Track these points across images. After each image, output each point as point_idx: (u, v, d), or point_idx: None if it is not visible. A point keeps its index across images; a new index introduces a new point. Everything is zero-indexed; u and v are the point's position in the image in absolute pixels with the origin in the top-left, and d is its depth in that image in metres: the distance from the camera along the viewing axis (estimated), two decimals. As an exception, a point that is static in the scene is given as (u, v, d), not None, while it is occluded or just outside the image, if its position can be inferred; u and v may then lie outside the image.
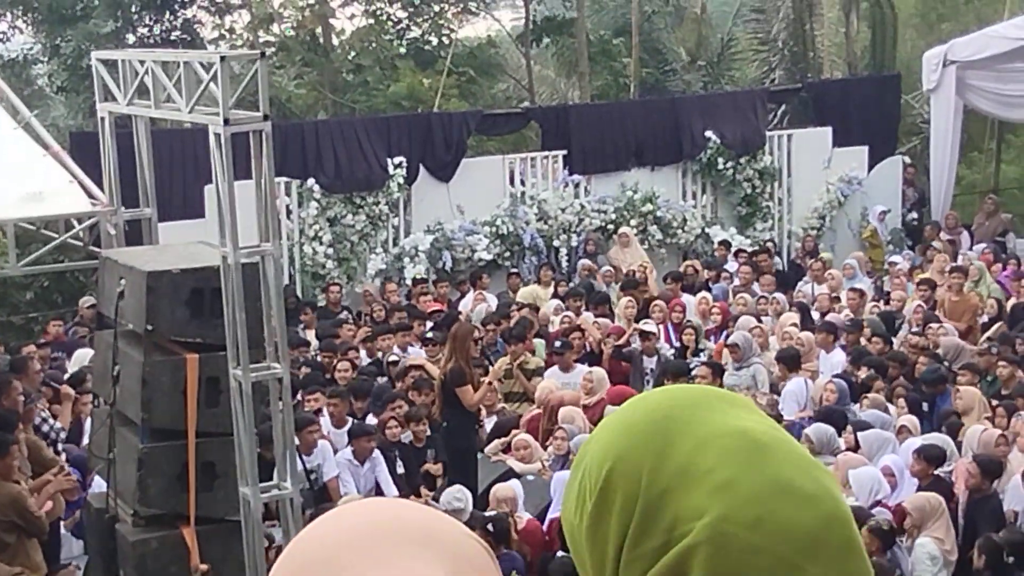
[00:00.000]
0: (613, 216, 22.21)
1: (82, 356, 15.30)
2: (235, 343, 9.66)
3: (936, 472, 12.15)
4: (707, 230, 23.08)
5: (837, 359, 16.23)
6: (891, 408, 14.24)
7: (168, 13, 26.91)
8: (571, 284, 20.12)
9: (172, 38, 26.50)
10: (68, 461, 12.64)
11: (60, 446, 13.48)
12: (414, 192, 21.17)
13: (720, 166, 23.13)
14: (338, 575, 1.53)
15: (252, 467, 9.88)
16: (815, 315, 18.33)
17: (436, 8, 28.84)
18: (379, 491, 13.28)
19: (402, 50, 28.74)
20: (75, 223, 12.58)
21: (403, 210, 21.18)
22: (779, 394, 15.22)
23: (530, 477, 13.10)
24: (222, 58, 9.63)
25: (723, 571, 1.67)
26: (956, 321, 17.68)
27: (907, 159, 25.23)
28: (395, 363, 16.14)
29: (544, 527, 12.04)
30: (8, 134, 13.15)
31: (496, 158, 22.68)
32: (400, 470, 13.87)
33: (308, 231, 20.32)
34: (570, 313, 18.01)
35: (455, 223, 21.05)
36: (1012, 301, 18.87)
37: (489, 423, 15.05)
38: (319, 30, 28.31)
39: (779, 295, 19.04)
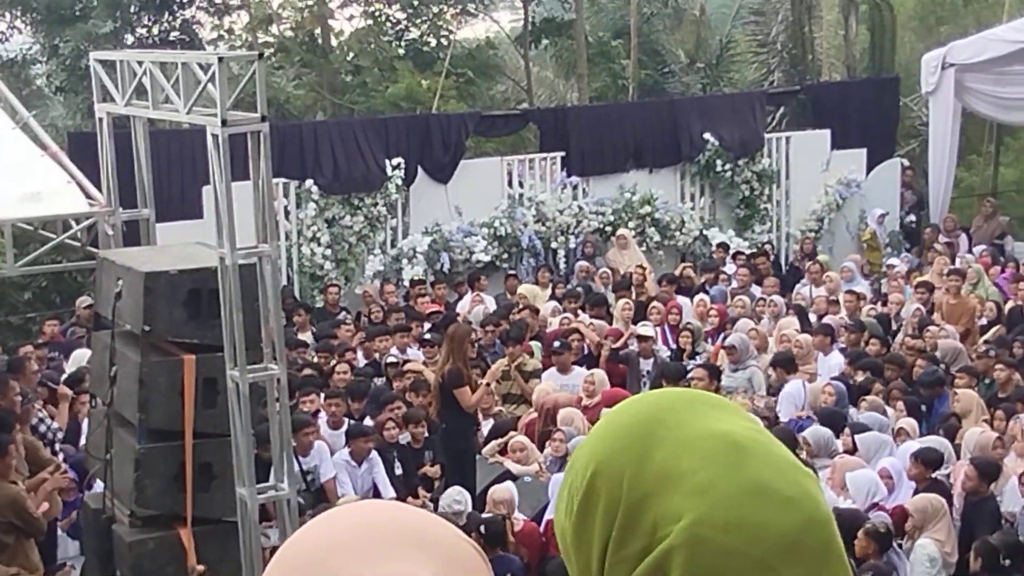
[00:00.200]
0: (611, 218, 22.22)
1: (80, 356, 15.29)
2: (232, 344, 9.66)
3: (933, 475, 12.16)
4: (705, 232, 23.09)
5: (835, 361, 16.24)
6: (889, 411, 14.25)
7: (167, 13, 26.90)
8: (568, 286, 20.11)
9: (171, 38, 26.49)
10: (65, 461, 12.63)
11: (57, 446, 13.47)
12: (412, 193, 21.17)
13: (718, 168, 23.14)
14: None
15: (249, 468, 9.88)
16: (812, 317, 18.33)
17: (435, 9, 28.84)
18: (376, 492, 13.28)
19: (401, 51, 28.74)
20: (73, 223, 12.58)
21: (401, 211, 21.17)
22: (777, 396, 15.23)
23: (527, 479, 13.10)
24: (220, 59, 9.64)
25: (700, 574, 1.68)
26: (954, 324, 17.68)
27: (905, 162, 25.26)
28: (392, 364, 16.13)
29: (541, 529, 12.03)
30: (6, 134, 13.14)
31: (494, 159, 22.68)
32: (398, 471, 13.87)
33: (306, 232, 20.32)
34: (568, 315, 18.01)
35: (453, 224, 21.05)
36: (1010, 304, 18.87)
37: (486, 425, 15.04)
38: (318, 31, 28.32)
39: (776, 297, 19.04)
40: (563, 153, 22.25)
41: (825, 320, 17.73)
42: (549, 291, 19.76)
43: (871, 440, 12.97)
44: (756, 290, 19.79)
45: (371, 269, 20.55)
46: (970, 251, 22.11)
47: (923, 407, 14.70)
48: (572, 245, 22.00)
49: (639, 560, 1.72)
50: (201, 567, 9.96)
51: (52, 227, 12.83)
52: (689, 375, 15.31)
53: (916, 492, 11.92)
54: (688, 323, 17.87)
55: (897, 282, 19.96)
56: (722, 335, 17.33)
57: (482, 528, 11.13)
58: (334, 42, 28.74)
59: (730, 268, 21.06)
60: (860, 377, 15.28)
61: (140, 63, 11.11)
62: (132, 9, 26.37)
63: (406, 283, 20.24)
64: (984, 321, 18.40)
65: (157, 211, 12.88)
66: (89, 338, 14.50)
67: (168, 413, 10.01)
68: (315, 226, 20.33)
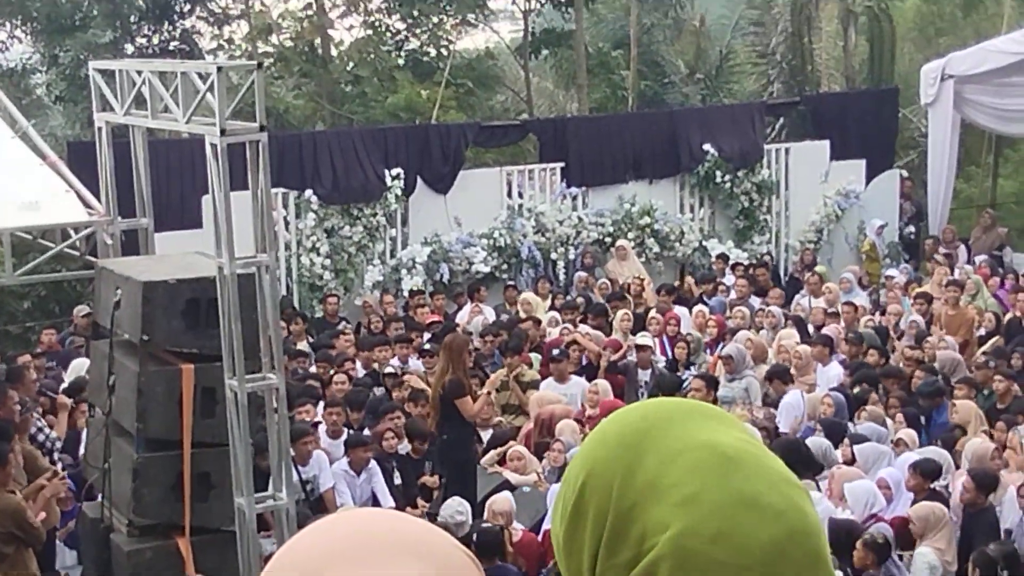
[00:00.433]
0: (611, 229, 22.21)
1: (79, 366, 15.28)
2: (231, 353, 9.67)
3: (932, 486, 12.15)
4: (705, 243, 23.08)
5: (834, 372, 16.23)
6: (888, 422, 14.25)
7: (167, 23, 26.93)
8: (568, 297, 20.10)
9: (171, 48, 26.51)
10: (63, 470, 12.62)
11: (55, 456, 13.47)
12: (412, 204, 21.16)
13: (718, 179, 23.14)
14: None
15: (247, 477, 9.89)
16: (810, 328, 18.32)
17: (435, 20, 28.86)
18: (375, 502, 13.27)
19: (400, 61, 28.76)
20: (72, 232, 12.59)
21: (400, 222, 21.17)
22: (775, 406, 15.24)
23: (526, 489, 13.09)
24: (219, 68, 9.65)
25: None
26: (953, 335, 17.68)
27: (904, 173, 25.26)
28: (391, 375, 16.13)
29: (539, 538, 12.03)
30: (5, 143, 13.16)
31: (494, 170, 22.67)
32: (397, 481, 13.88)
33: (305, 242, 20.31)
34: (567, 326, 18.02)
35: (452, 235, 21.04)
36: (1009, 315, 18.87)
37: (485, 435, 15.04)
38: (317, 41, 28.33)
39: (775, 308, 19.03)
40: (563, 164, 22.25)
41: (824, 331, 17.72)
42: (548, 302, 19.75)
43: (869, 451, 12.97)
44: (755, 301, 19.78)
45: (370, 279, 20.54)
46: (969, 262, 22.10)
47: (921, 418, 14.69)
48: (571, 256, 21.98)
49: (628, 570, 1.73)
50: (199, 576, 9.97)
51: (51, 236, 12.86)
52: (687, 386, 15.32)
53: (914, 503, 11.91)
54: (688, 334, 17.89)
55: (895, 293, 19.96)
56: (721, 346, 17.33)
57: (480, 538, 11.11)
58: (334, 52, 28.76)
59: (729, 279, 21.06)
60: (859, 388, 15.27)
61: (139, 72, 11.12)
62: (132, 19, 26.41)
63: (405, 293, 20.22)
64: (983, 332, 18.40)
65: (156, 220, 12.90)
66: (88, 347, 14.52)
67: (166, 422, 10.02)
68: (314, 236, 20.32)
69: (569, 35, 29.85)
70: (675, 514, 1.70)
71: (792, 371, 16.05)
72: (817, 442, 13.04)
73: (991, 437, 13.58)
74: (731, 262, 22.04)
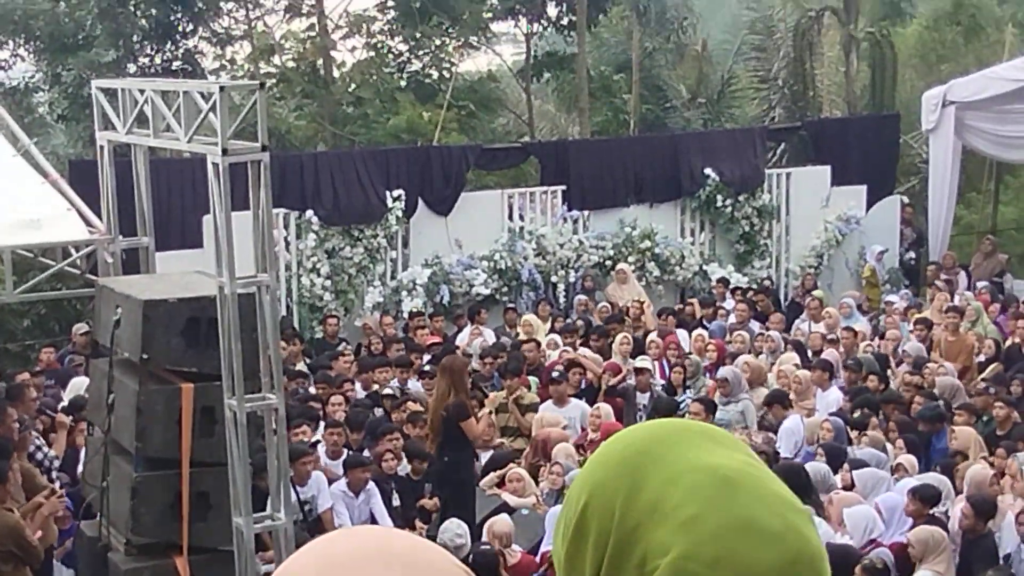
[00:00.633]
0: (611, 252, 22.22)
1: (78, 384, 15.28)
2: (231, 373, 9.66)
3: (931, 512, 12.13)
4: (705, 267, 23.09)
5: (833, 397, 16.23)
6: (888, 447, 14.23)
7: (169, 43, 26.98)
8: (568, 320, 20.10)
9: (173, 68, 26.56)
10: (61, 488, 12.60)
11: (54, 474, 13.45)
12: (412, 225, 21.17)
13: (719, 203, 23.15)
14: None
15: (246, 497, 9.87)
16: (809, 353, 18.32)
17: (437, 42, 28.89)
18: (374, 523, 13.23)
19: (402, 83, 28.81)
20: (72, 251, 12.60)
21: (401, 243, 21.18)
22: (773, 431, 15.23)
23: (524, 511, 13.08)
24: (221, 88, 9.66)
25: None
26: (952, 361, 17.67)
27: (905, 199, 25.26)
28: (390, 396, 16.12)
29: (537, 560, 12.01)
30: (7, 161, 13.17)
31: (495, 192, 22.68)
32: (396, 503, 13.86)
33: (306, 263, 20.32)
34: (567, 348, 18.03)
35: (453, 257, 21.05)
36: (1009, 342, 18.85)
37: (484, 457, 15.04)
38: (320, 62, 28.38)
39: (774, 333, 19.04)
40: (564, 187, 22.27)
41: (824, 356, 17.71)
42: (548, 325, 19.75)
43: (868, 476, 12.95)
44: (755, 325, 19.78)
45: (371, 301, 20.53)
46: (969, 288, 22.09)
47: (920, 444, 14.67)
48: (572, 279, 21.99)
49: (630, 591, 1.72)
50: (196, 596, 9.95)
51: (52, 254, 12.85)
52: (685, 409, 15.33)
53: (913, 528, 11.89)
54: (688, 354, 17.92)
55: (893, 319, 19.96)
56: (719, 369, 17.33)
57: (476, 560, 11.09)
58: (336, 73, 28.80)
59: (729, 303, 21.06)
60: (859, 413, 15.26)
61: (142, 91, 11.13)
62: (135, 38, 26.46)
63: (405, 315, 20.20)
64: (982, 358, 18.39)
65: (157, 239, 12.91)
66: (87, 366, 14.50)
67: (165, 441, 10.01)
68: (315, 257, 20.33)
69: (571, 58, 29.92)
70: (676, 537, 1.69)
71: (791, 396, 16.05)
72: (817, 467, 13.03)
73: (991, 464, 13.57)
74: (731, 286, 22.04)
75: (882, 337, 19.19)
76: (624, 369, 17.26)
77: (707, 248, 23.65)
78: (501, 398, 15.97)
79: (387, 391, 16.32)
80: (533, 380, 17.05)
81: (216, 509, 10.14)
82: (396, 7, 28.22)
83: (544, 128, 31.68)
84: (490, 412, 15.10)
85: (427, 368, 16.89)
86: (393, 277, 21.00)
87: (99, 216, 12.54)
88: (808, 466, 13.10)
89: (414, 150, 22.90)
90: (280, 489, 10.28)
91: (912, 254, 24.61)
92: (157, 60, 26.84)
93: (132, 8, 26.18)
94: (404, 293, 20.65)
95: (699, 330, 19.22)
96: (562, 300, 21.86)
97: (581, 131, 28.54)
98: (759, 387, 16.61)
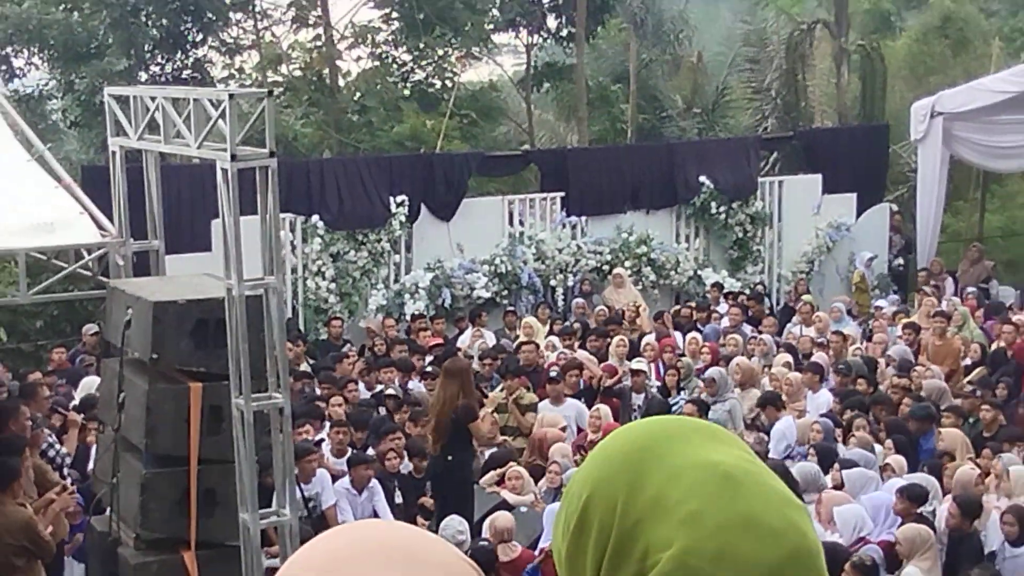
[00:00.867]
0: (608, 257, 22.23)
1: (89, 383, 15.28)
2: (238, 373, 9.66)
3: (919, 511, 12.12)
4: (699, 272, 23.09)
5: (823, 399, 16.24)
6: (877, 447, 14.22)
7: (180, 52, 26.98)
8: (566, 323, 20.10)
9: (183, 76, 26.56)
10: (72, 485, 12.59)
11: (65, 471, 13.44)
12: (415, 230, 21.18)
13: (713, 210, 23.17)
14: None
15: (252, 494, 9.86)
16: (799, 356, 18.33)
17: (440, 52, 28.89)
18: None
19: (406, 92, 28.78)
20: (85, 253, 12.58)
21: (404, 247, 21.19)
22: (766, 432, 15.25)
23: (523, 509, 13.08)
24: (231, 96, 9.66)
25: None
26: (939, 364, 17.66)
27: (894, 207, 25.27)
28: (392, 396, 16.11)
29: (536, 554, 12.01)
30: (22, 166, 13.17)
31: (496, 199, 22.70)
32: (398, 500, 13.85)
33: (311, 266, 20.33)
34: (565, 351, 18.04)
35: (455, 261, 21.05)
36: (994, 346, 18.85)
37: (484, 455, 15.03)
38: (326, 72, 28.39)
39: (766, 336, 19.05)
40: (563, 193, 22.28)
41: (814, 359, 17.71)
42: (547, 327, 19.76)
43: (857, 476, 12.95)
44: (747, 328, 19.79)
45: (374, 303, 20.54)
46: (956, 294, 22.09)
47: (909, 444, 14.67)
48: (570, 283, 22.01)
49: (632, 584, 1.71)
50: (203, 590, 9.95)
51: (64, 257, 12.84)
52: (678, 410, 15.34)
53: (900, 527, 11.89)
54: (682, 354, 17.95)
55: (881, 323, 19.97)
56: (707, 370, 17.34)
57: (472, 556, 11.06)
58: (341, 82, 28.80)
59: (723, 307, 21.08)
60: (848, 414, 15.26)
61: (153, 99, 11.13)
62: (146, 48, 26.48)
63: (408, 317, 20.20)
64: (968, 362, 18.39)
65: (167, 243, 12.91)
66: (97, 365, 14.51)
67: (174, 439, 10.01)
68: (320, 260, 20.35)
69: (570, 69, 29.95)
70: (678, 532, 1.68)
71: (783, 397, 16.05)
72: (808, 467, 13.03)
73: (977, 464, 13.57)
74: (725, 291, 22.05)
75: (870, 340, 19.20)
76: (620, 371, 17.26)
77: (701, 253, 23.66)
78: (500, 398, 15.97)
79: (390, 391, 16.32)
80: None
81: (223, 505, 10.14)
82: (400, 18, 28.22)
83: (543, 136, 31.70)
84: (491, 412, 15.08)
85: (429, 369, 16.90)
86: (396, 280, 21.01)
87: (111, 220, 12.54)
88: (800, 466, 13.11)
89: (417, 157, 22.92)
90: (285, 486, 10.27)
91: (901, 260, 24.60)
92: (168, 69, 26.84)
93: (144, 18, 26.19)
94: (407, 296, 20.65)
95: (693, 333, 19.23)
96: (560, 303, 21.86)
97: (579, 139, 28.56)
98: (751, 388, 16.61)
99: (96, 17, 26.02)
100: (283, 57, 28.89)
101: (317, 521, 12.61)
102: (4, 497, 10.69)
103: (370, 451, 14.28)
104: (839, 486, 12.84)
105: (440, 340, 19.00)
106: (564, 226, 22.18)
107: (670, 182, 23.14)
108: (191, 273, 12.29)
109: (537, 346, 18.11)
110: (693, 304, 21.44)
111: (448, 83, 28.95)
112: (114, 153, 12.43)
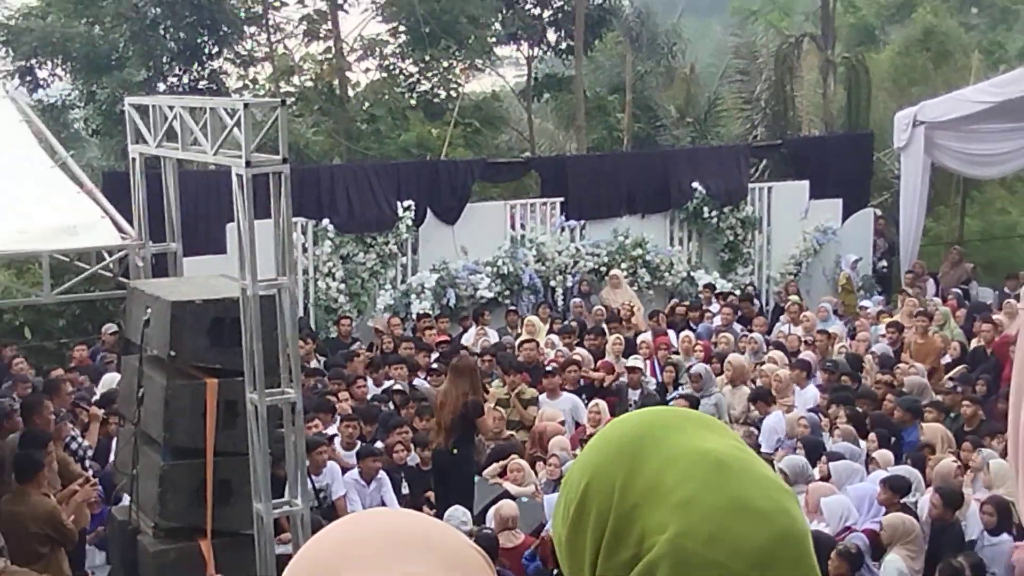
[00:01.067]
0: (605, 259, 22.24)
1: (110, 379, 15.30)
2: (252, 369, 9.67)
3: (902, 501, 12.13)
4: (692, 274, 23.10)
5: (810, 395, 16.26)
6: (862, 441, 14.22)
7: (196, 64, 26.96)
8: (565, 322, 20.12)
9: (200, 87, 26.53)
10: (94, 476, 12.60)
11: (87, 463, 13.46)
12: (421, 233, 21.18)
13: (705, 215, 23.18)
14: None
15: (265, 485, 9.88)
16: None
17: (445, 64, 28.86)
18: (384, 511, 13.21)
19: (413, 102, 28.76)
20: (106, 255, 12.59)
21: (411, 250, 21.19)
22: (757, 426, 15.29)
23: (524, 499, 13.08)
24: (245, 105, 9.68)
25: None
26: (921, 362, 17.67)
27: (878, 211, 25.27)
28: (399, 392, 16.12)
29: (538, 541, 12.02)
30: (46, 172, 13.18)
31: (498, 203, 22.69)
32: (405, 491, 13.87)
33: (322, 268, 20.34)
34: (564, 349, 18.06)
35: (459, 263, 21.06)
36: (974, 343, 18.85)
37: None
38: (336, 82, 28.37)
39: (756, 335, 19.06)
40: (562, 198, 22.29)
41: (801, 356, 17.72)
42: (548, 326, 19.77)
43: (842, 468, 12.95)
44: (738, 327, 19.79)
45: (382, 303, 20.56)
46: (937, 295, 22.13)
47: (892, 438, 14.67)
48: (569, 284, 22.02)
49: (628, 569, 1.72)
50: (219, 576, 9.96)
51: (86, 258, 12.86)
52: (671, 404, 15.35)
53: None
54: (673, 351, 17.96)
55: (863, 322, 20.00)
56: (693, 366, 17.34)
57: (476, 542, 11.07)
58: (351, 93, 28.78)
59: (715, 307, 21.09)
60: (832, 410, 15.27)
61: (171, 108, 11.15)
62: (164, 60, 26.46)
63: (414, 316, 20.21)
64: (949, 359, 18.41)
65: (184, 245, 12.94)
66: (118, 362, 14.52)
67: (191, 432, 10.02)
68: (330, 262, 20.35)
69: (569, 80, 29.96)
70: (673, 516, 1.69)
71: (773, 393, 16.07)
72: (796, 459, 13.05)
73: (958, 457, 13.58)
74: (716, 291, 22.06)
75: (853, 338, 19.22)
76: (616, 368, 17.28)
77: (694, 256, 23.66)
78: (502, 393, 15.97)
79: (397, 387, 16.33)
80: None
81: (238, 495, 10.15)
82: (407, 32, 28.21)
83: (544, 144, 31.66)
84: (494, 407, 15.09)
85: (434, 366, 16.91)
86: (403, 281, 21.01)
87: (131, 223, 12.55)
88: (788, 458, 13.13)
89: (423, 164, 22.92)
90: (297, 477, 10.28)
91: (884, 263, 24.62)
92: (185, 80, 26.82)
93: (162, 32, 26.17)
94: (413, 296, 20.66)
95: (686, 332, 19.24)
96: (560, 303, 21.87)
97: (578, 147, 28.54)
98: (741, 385, 16.62)
99: (117, 30, 26.00)
100: (295, 69, 28.87)
101: (327, 511, 12.62)
102: (29, 488, 10.70)
103: (378, 444, 14.27)
104: (826, 477, 12.85)
105: (445, 338, 19.02)
106: (563, 229, 22.19)
107: (664, 188, 23.14)
108: (207, 274, 12.31)
109: (538, 344, 18.12)
110: (686, 304, 21.44)
111: (453, 93, 28.93)
112: (134, 160, 12.46)
